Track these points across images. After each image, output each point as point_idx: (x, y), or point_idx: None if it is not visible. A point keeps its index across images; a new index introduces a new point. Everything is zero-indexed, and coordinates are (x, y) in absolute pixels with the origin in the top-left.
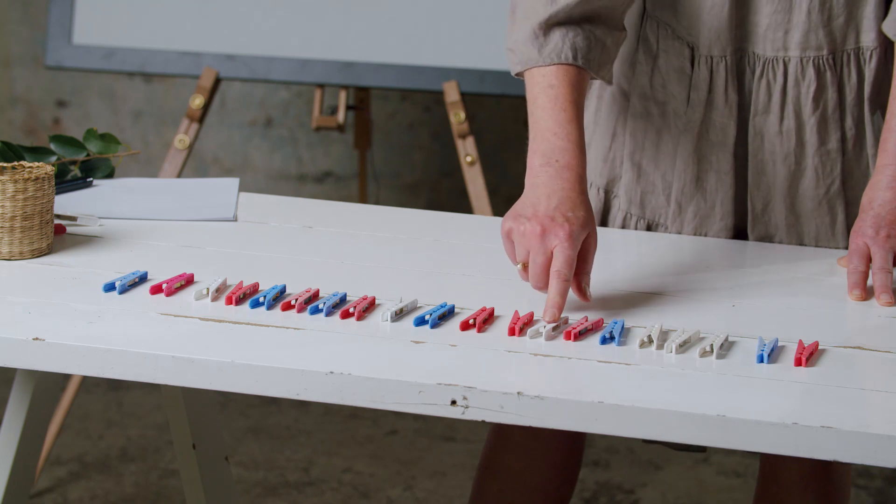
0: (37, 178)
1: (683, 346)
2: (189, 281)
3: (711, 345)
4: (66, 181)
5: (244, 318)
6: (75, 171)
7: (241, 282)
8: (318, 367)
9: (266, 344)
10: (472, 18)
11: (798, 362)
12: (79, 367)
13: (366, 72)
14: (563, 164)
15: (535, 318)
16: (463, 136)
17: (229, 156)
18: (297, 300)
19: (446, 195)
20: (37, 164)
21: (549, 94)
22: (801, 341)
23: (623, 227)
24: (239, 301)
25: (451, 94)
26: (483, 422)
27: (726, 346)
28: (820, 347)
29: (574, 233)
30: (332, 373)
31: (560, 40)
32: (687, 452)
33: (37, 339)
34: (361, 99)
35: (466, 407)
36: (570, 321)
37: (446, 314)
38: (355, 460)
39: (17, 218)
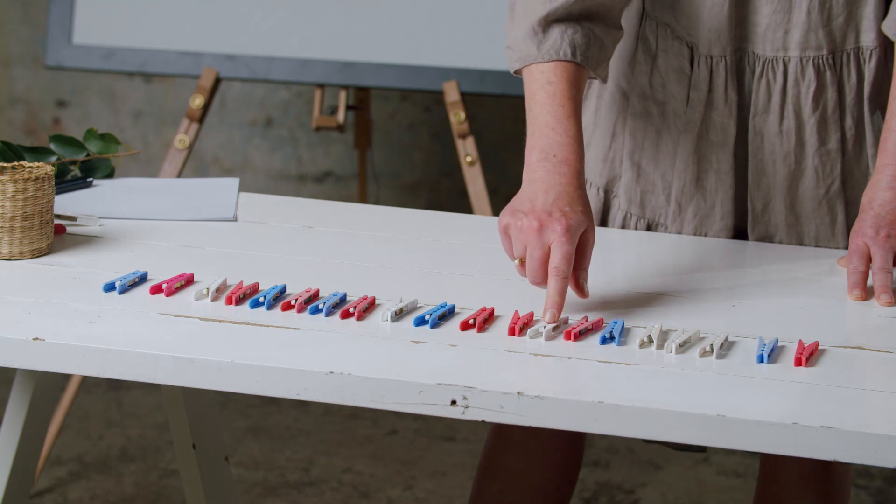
0: (37, 178)
1: (683, 346)
2: (189, 281)
3: (711, 345)
4: (66, 181)
5: (244, 318)
6: (75, 171)
7: (241, 282)
8: (318, 367)
9: (266, 344)
10: (472, 18)
11: (798, 362)
12: (79, 367)
13: (366, 72)
14: (561, 160)
15: (535, 318)
16: (463, 136)
17: (229, 156)
18: (297, 300)
19: (446, 195)
20: (37, 164)
21: (547, 91)
22: (801, 341)
23: (623, 226)
24: (239, 301)
25: (451, 94)
26: (483, 422)
27: (726, 346)
28: (820, 347)
29: (571, 227)
30: (332, 373)
31: (559, 37)
32: (687, 452)
33: (37, 339)
34: (361, 99)
35: (466, 407)
36: (570, 321)
37: (446, 314)
38: (355, 460)
39: (17, 218)
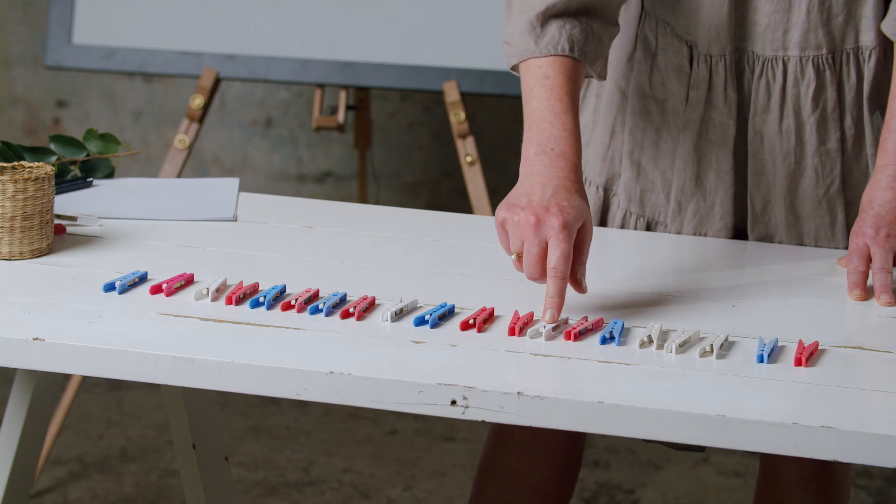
0: (37, 178)
1: (683, 346)
2: (189, 281)
3: (711, 345)
4: (66, 181)
5: (244, 318)
6: (75, 171)
7: (241, 282)
8: (318, 367)
9: (266, 344)
10: (472, 18)
11: (798, 362)
12: (79, 367)
13: (366, 72)
14: (559, 153)
15: (535, 318)
16: (463, 136)
17: (229, 156)
18: (297, 300)
19: (446, 195)
20: (37, 164)
21: (545, 85)
22: (801, 341)
23: (622, 225)
24: (239, 301)
25: (451, 94)
26: (483, 422)
27: (726, 346)
28: (820, 347)
29: (569, 223)
30: (332, 373)
31: (557, 32)
32: (687, 452)
33: (37, 339)
34: (361, 99)
35: (466, 407)
36: (570, 321)
37: (446, 314)
38: (355, 460)
39: (17, 218)
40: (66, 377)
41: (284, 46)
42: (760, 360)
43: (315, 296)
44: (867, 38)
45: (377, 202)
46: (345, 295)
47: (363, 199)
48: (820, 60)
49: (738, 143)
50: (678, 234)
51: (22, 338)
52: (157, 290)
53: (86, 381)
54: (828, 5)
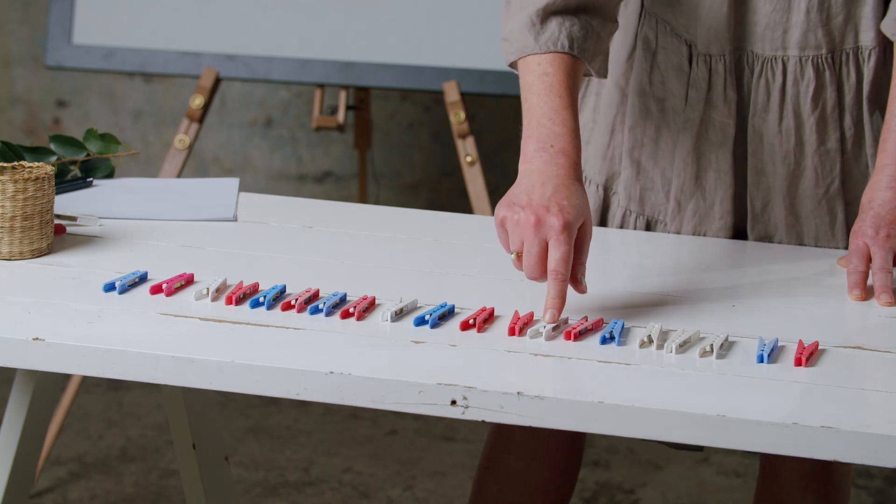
0: (37, 178)
1: (683, 346)
2: (189, 281)
3: (711, 345)
4: (66, 181)
5: (244, 318)
6: (75, 171)
7: (241, 282)
8: (318, 367)
9: (266, 344)
10: (472, 18)
11: (798, 362)
12: (79, 367)
13: (366, 72)
14: (559, 150)
15: (535, 318)
16: (463, 136)
17: (229, 156)
18: (297, 300)
19: (446, 195)
20: (37, 164)
21: (544, 81)
22: (801, 341)
23: (622, 224)
24: (239, 301)
25: (451, 94)
26: (483, 422)
27: (726, 346)
28: (820, 347)
29: (569, 224)
30: (332, 373)
31: (557, 29)
32: (686, 451)
33: (37, 339)
34: (361, 99)
35: (466, 407)
36: (570, 321)
37: (446, 314)
38: (355, 460)
39: (17, 218)
40: (66, 377)
41: (284, 46)
42: (760, 360)
43: (315, 296)
44: (867, 38)
45: (377, 202)
46: (345, 295)
47: (363, 199)
48: (819, 60)
49: (737, 143)
50: (678, 234)
51: (22, 338)
52: (157, 290)
53: (86, 381)
54: (827, 5)
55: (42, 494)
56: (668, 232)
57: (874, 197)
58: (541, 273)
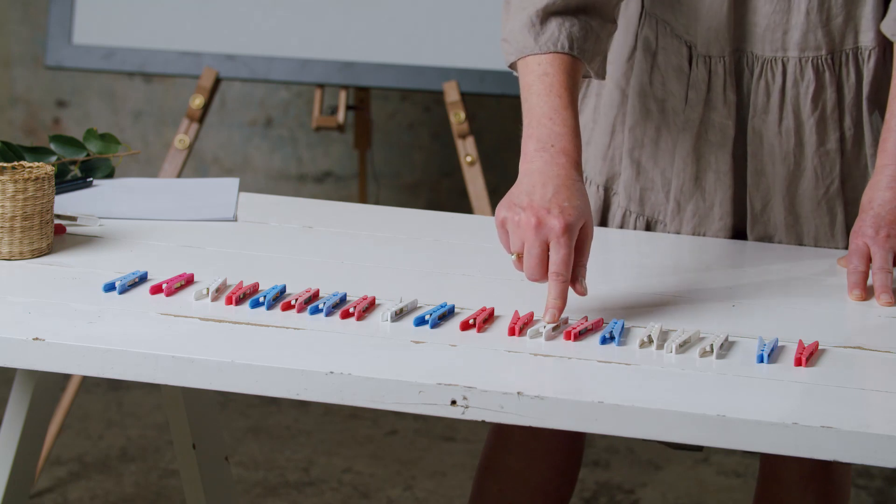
0: (37, 178)
1: (683, 346)
2: (189, 281)
3: (711, 345)
4: (66, 181)
5: (244, 318)
6: (75, 171)
7: (241, 282)
8: (318, 367)
9: (266, 344)
10: (472, 18)
11: (798, 362)
12: (79, 367)
13: (366, 72)
14: (559, 149)
15: (535, 318)
16: (463, 136)
17: (229, 156)
18: (297, 300)
19: (446, 195)
20: (37, 164)
21: (544, 81)
22: (801, 341)
23: (622, 224)
24: (239, 301)
25: (451, 94)
26: (483, 422)
27: (726, 346)
28: (820, 347)
29: (570, 225)
30: (332, 373)
31: (556, 29)
32: (686, 451)
33: (37, 339)
34: (361, 99)
35: (466, 407)
36: (570, 321)
37: (446, 314)
38: (355, 460)
39: (17, 218)
40: (66, 377)
41: (284, 46)
42: (760, 360)
43: (315, 296)
44: (866, 39)
45: (377, 202)
46: (345, 295)
47: (363, 199)
48: (819, 61)
49: (737, 144)
50: (678, 234)
51: (22, 338)
52: (157, 290)
53: (86, 381)
54: (827, 6)
55: (42, 494)
56: (668, 232)
57: (874, 197)
58: (541, 274)
